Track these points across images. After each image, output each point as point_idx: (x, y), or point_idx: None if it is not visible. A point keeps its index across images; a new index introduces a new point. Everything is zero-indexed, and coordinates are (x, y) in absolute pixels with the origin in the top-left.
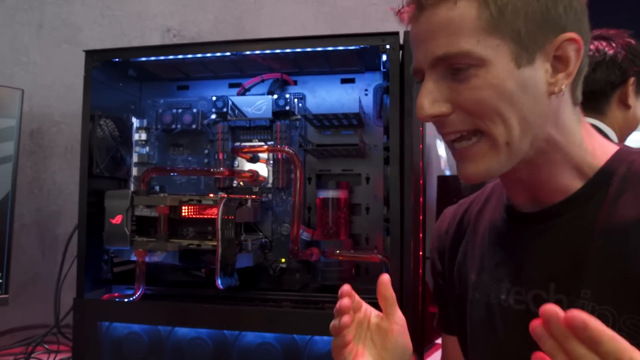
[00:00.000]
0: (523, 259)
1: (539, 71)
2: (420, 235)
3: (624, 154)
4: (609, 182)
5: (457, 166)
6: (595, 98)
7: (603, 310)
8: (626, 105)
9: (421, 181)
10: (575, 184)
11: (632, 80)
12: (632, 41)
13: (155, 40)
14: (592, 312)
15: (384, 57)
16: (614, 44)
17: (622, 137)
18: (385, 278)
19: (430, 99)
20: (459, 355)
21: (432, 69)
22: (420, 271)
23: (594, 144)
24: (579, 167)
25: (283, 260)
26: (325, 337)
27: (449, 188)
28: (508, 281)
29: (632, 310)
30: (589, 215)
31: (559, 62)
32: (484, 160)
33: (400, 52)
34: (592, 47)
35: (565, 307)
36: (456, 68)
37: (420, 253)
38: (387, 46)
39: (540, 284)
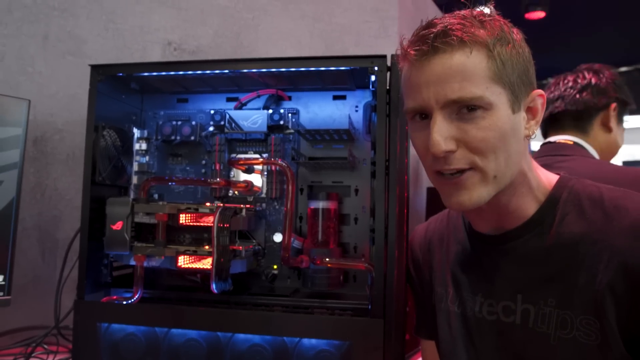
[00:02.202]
0: (492, 275)
1: (521, 118)
2: (405, 244)
3: (564, 181)
4: (556, 206)
5: (447, 195)
6: (579, 117)
7: (564, 315)
8: (607, 128)
9: (406, 194)
10: (531, 208)
11: (613, 105)
12: (615, 76)
13: (156, 53)
14: (556, 317)
15: (373, 78)
16: (600, 75)
17: (605, 158)
18: None
19: (443, 136)
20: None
21: (442, 110)
22: (404, 279)
23: (540, 172)
24: (534, 195)
25: (275, 266)
26: (314, 340)
27: (438, 199)
28: (481, 295)
29: (585, 312)
30: (543, 236)
31: (530, 112)
32: (476, 190)
33: (388, 73)
34: (579, 74)
35: (532, 316)
36: (468, 108)
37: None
38: (376, 68)
39: (508, 296)
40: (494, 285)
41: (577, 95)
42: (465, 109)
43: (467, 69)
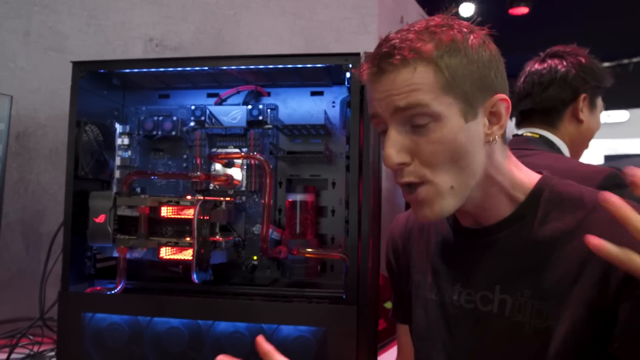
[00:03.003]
0: (472, 266)
1: (480, 124)
2: (378, 235)
3: (546, 180)
4: (537, 204)
5: (413, 209)
6: (548, 113)
7: (539, 305)
8: (578, 120)
9: (379, 186)
10: (508, 208)
11: (582, 96)
12: (583, 59)
13: (138, 49)
14: (532, 308)
15: (348, 75)
16: (565, 62)
17: (575, 148)
18: (258, 339)
19: (396, 149)
20: (404, 341)
21: (393, 118)
22: (378, 267)
23: (521, 173)
24: (510, 195)
25: (255, 257)
26: (291, 327)
27: None
28: (460, 285)
29: (557, 304)
30: (524, 231)
31: (493, 116)
32: (436, 203)
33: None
34: (545, 65)
35: (509, 305)
36: (416, 124)
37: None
38: (350, 65)
39: (486, 286)
40: (474, 276)
41: (544, 92)
42: (416, 120)
43: (414, 82)
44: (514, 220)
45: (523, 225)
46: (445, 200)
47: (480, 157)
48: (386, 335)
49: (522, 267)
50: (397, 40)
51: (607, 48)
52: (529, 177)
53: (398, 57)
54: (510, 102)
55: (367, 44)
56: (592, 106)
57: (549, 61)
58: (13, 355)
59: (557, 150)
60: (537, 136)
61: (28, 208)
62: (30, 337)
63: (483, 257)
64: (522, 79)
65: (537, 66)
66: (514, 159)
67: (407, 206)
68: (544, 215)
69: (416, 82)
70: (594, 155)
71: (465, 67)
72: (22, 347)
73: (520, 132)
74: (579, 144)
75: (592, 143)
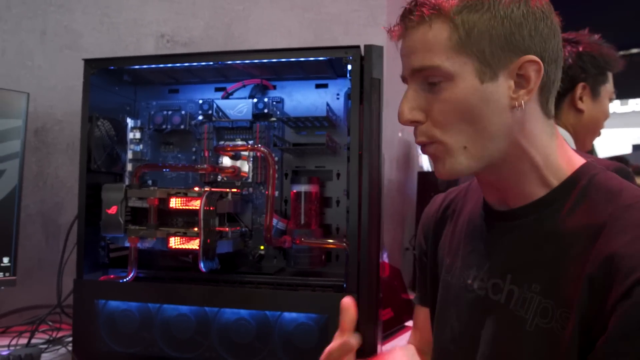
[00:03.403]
0: (490, 250)
1: (502, 87)
2: (377, 225)
3: (587, 168)
4: (570, 193)
5: (432, 165)
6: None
7: (546, 304)
8: (577, 110)
9: (379, 176)
10: (538, 191)
11: (581, 85)
12: (581, 48)
13: (150, 45)
14: (538, 304)
15: (350, 67)
16: (564, 50)
17: (580, 138)
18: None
19: (409, 106)
20: (429, 327)
21: (412, 79)
22: (377, 256)
23: (564, 157)
24: (543, 178)
25: (262, 247)
26: (294, 314)
27: (429, 183)
28: (476, 268)
29: (565, 305)
30: (548, 220)
31: (521, 79)
32: (447, 160)
33: (361, 63)
34: None
35: (516, 297)
36: (431, 82)
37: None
38: (350, 57)
39: (499, 274)
40: (490, 262)
41: None
42: (430, 79)
43: (428, 40)
44: (541, 206)
45: (550, 214)
46: (457, 158)
47: (503, 122)
48: (393, 324)
49: (538, 259)
50: None
51: (616, 36)
52: (570, 163)
53: (417, 13)
54: (542, 65)
55: (376, 37)
56: (594, 95)
57: None
58: (34, 340)
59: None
60: None
61: (47, 200)
62: (50, 323)
63: (502, 242)
64: None
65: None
66: (561, 139)
67: (419, 195)
68: (574, 205)
69: (430, 40)
70: (621, 144)
71: (487, 23)
72: (42, 333)
73: None
74: (584, 134)
75: (619, 132)
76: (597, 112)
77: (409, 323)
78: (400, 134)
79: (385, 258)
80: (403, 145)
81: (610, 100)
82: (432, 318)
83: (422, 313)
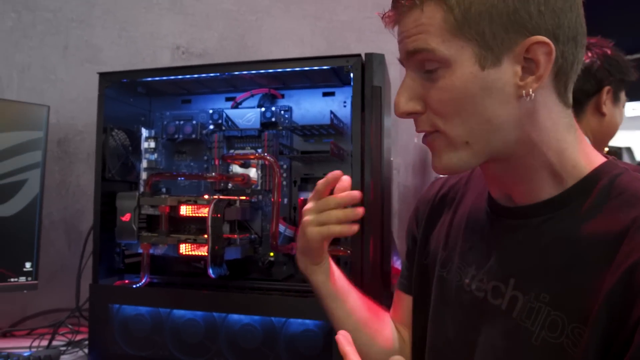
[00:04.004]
0: (492, 249)
1: (507, 73)
2: (381, 231)
3: (608, 168)
4: (588, 193)
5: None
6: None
7: (556, 316)
8: (601, 113)
9: (378, 182)
10: (551, 189)
11: (606, 89)
12: (609, 51)
13: (166, 57)
14: (547, 316)
15: (351, 75)
16: (590, 53)
17: (598, 142)
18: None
19: (406, 96)
20: (407, 314)
21: (408, 65)
22: (380, 261)
23: (582, 152)
24: (557, 175)
25: (272, 254)
26: (299, 320)
27: None
28: (475, 267)
29: (580, 320)
30: (562, 223)
31: (531, 64)
32: (445, 154)
33: (362, 71)
34: None
35: (520, 305)
36: (427, 69)
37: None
38: (350, 66)
39: (501, 276)
40: (490, 261)
41: None
42: (426, 65)
43: (422, 24)
44: (554, 206)
45: (564, 215)
46: (457, 154)
47: (510, 112)
48: None
49: (548, 265)
50: None
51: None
52: (589, 160)
53: None
54: (553, 46)
55: (389, 43)
56: (615, 99)
57: None
58: (55, 342)
59: None
60: None
61: (69, 208)
62: (70, 326)
63: (506, 241)
64: None
65: None
66: (581, 134)
67: None
68: (592, 208)
69: (424, 22)
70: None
71: (486, 0)
72: (62, 336)
73: None
74: (602, 138)
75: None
76: (617, 118)
77: None
78: (415, 140)
79: (398, 265)
80: (419, 150)
81: (623, 106)
82: (414, 309)
83: (404, 300)
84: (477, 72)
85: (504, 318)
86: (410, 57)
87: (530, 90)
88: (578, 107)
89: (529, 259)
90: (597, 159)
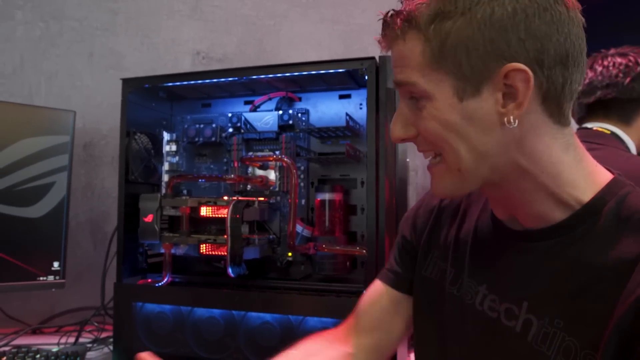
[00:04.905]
0: (502, 270)
1: (487, 102)
2: (395, 230)
3: (614, 188)
4: (596, 217)
5: None
6: (623, 106)
7: (570, 342)
8: None
9: (394, 182)
10: (555, 213)
11: None
12: None
13: (186, 62)
14: (561, 341)
15: (366, 77)
16: (632, 60)
17: None
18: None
19: (400, 122)
20: (385, 305)
21: (399, 91)
22: None
23: (583, 172)
24: (557, 197)
25: (290, 254)
26: (316, 318)
27: None
28: (486, 287)
29: (592, 347)
30: (572, 247)
31: (511, 90)
32: (443, 180)
33: (377, 74)
34: (630, 57)
35: (535, 329)
36: (415, 98)
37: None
38: (364, 69)
39: (513, 299)
40: (503, 282)
41: (629, 84)
42: (413, 94)
43: (404, 56)
44: (561, 230)
45: (572, 240)
46: (452, 180)
47: (495, 140)
48: None
49: (559, 290)
50: (402, 4)
51: None
52: (593, 179)
53: (393, 25)
54: (530, 73)
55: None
56: None
57: (632, 55)
58: (82, 339)
59: (627, 149)
60: (608, 132)
61: (95, 209)
62: (96, 324)
63: (516, 263)
64: (598, 68)
65: (617, 58)
66: (579, 151)
67: None
68: (602, 232)
69: (406, 55)
70: None
71: (462, 32)
72: (89, 333)
73: (588, 125)
74: None
75: None
76: None
77: None
78: None
79: None
80: None
81: None
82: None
83: (386, 291)
84: (455, 104)
85: (518, 340)
86: (398, 86)
87: (511, 117)
88: (631, 110)
89: (540, 282)
90: (602, 178)
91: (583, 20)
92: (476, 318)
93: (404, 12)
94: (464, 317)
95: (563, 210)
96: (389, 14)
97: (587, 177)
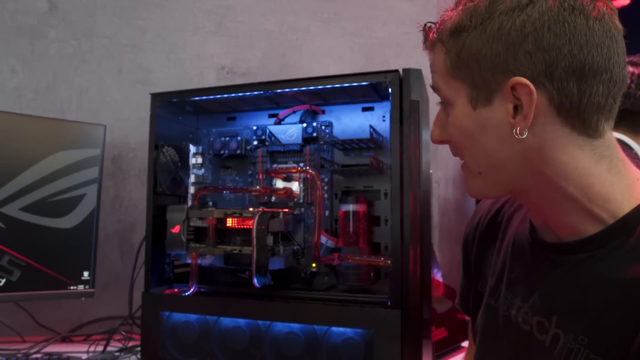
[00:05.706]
0: (535, 283)
1: (499, 112)
2: (420, 241)
3: None
4: (630, 233)
5: None
6: (633, 117)
7: (594, 359)
8: None
9: (418, 194)
10: (588, 227)
11: None
12: None
13: (211, 77)
14: (586, 357)
15: (390, 90)
16: None
17: None
18: None
19: (437, 125)
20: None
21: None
22: (419, 271)
23: (617, 185)
24: (589, 211)
25: (314, 265)
26: (341, 329)
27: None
28: (520, 299)
29: None
30: (601, 263)
31: (520, 103)
32: (469, 181)
33: (400, 86)
34: None
35: (561, 344)
36: (443, 102)
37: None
38: (388, 82)
39: (544, 313)
40: (534, 295)
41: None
42: (443, 101)
43: (434, 63)
44: (594, 244)
45: (604, 255)
46: (475, 182)
47: (510, 149)
48: (447, 344)
49: (587, 306)
50: (432, 23)
51: None
52: (630, 193)
53: (428, 37)
54: (532, 88)
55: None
56: None
57: None
58: (110, 348)
59: (637, 158)
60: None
61: (123, 221)
62: (123, 333)
63: (547, 276)
64: None
65: (630, 68)
66: (616, 164)
67: None
68: (634, 249)
69: (435, 63)
70: None
71: (474, 44)
72: (116, 342)
73: None
74: None
75: None
76: None
77: (465, 343)
78: None
79: (439, 277)
80: (459, 164)
81: None
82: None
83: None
84: (469, 112)
85: (547, 355)
86: (434, 91)
87: (519, 128)
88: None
89: (569, 297)
90: (638, 192)
91: (614, 27)
92: (511, 330)
93: (435, 25)
94: (501, 330)
95: (595, 224)
96: (427, 26)
97: (624, 190)
